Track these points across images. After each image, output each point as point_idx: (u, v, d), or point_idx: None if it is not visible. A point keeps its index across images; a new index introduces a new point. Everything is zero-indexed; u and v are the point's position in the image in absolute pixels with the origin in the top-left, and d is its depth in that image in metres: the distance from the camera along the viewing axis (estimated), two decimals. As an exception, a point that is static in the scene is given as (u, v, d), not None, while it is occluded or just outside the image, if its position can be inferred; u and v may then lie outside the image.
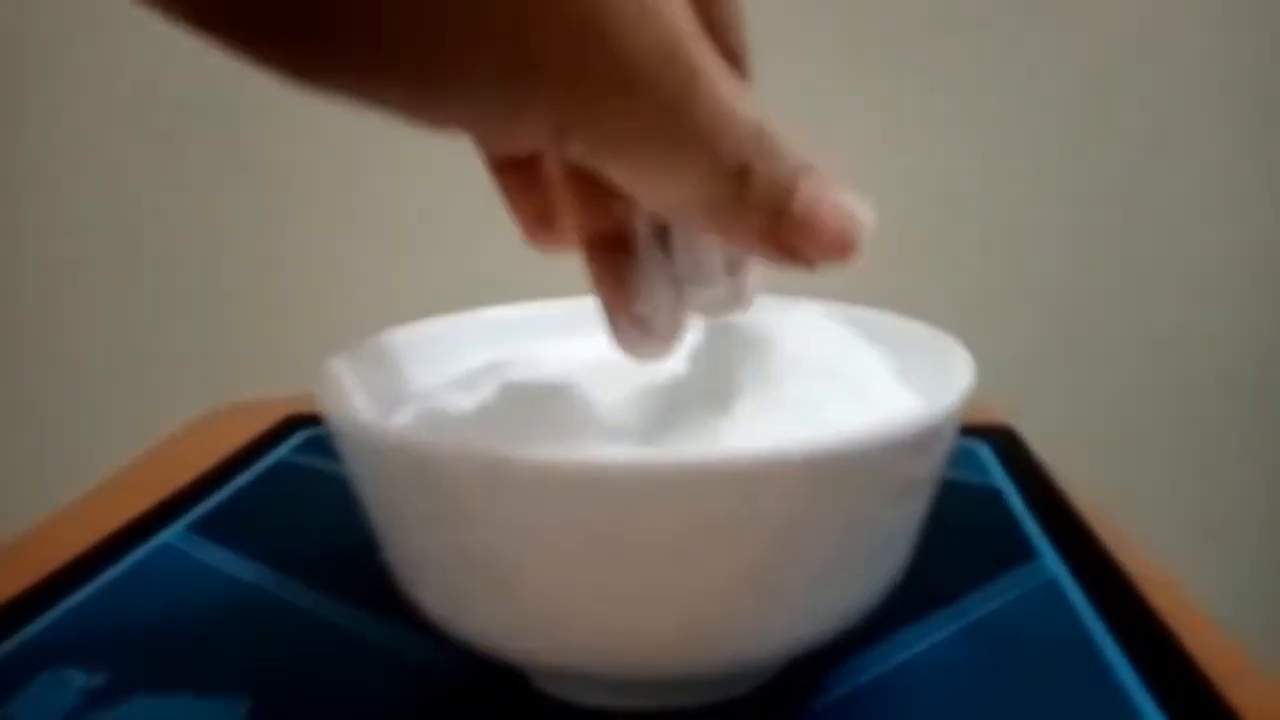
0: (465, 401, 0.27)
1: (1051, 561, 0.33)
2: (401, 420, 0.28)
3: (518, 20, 0.16)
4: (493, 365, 0.30)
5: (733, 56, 0.24)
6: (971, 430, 0.44)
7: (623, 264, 0.26)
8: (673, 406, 0.26)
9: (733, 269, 0.26)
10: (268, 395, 0.51)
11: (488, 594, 0.23)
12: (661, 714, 0.26)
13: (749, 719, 0.26)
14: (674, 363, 0.28)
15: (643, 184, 0.20)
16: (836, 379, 0.26)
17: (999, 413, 0.47)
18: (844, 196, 0.22)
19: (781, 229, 0.21)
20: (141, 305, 0.81)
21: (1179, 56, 0.74)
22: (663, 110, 0.19)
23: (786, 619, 0.23)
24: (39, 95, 0.78)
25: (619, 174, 0.20)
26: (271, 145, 0.78)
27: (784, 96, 0.75)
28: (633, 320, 0.26)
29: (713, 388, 0.27)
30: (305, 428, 0.46)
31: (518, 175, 0.27)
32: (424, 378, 0.31)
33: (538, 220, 0.28)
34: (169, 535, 0.36)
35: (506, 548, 0.22)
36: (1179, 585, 0.32)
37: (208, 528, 0.37)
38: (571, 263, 0.27)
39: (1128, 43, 0.74)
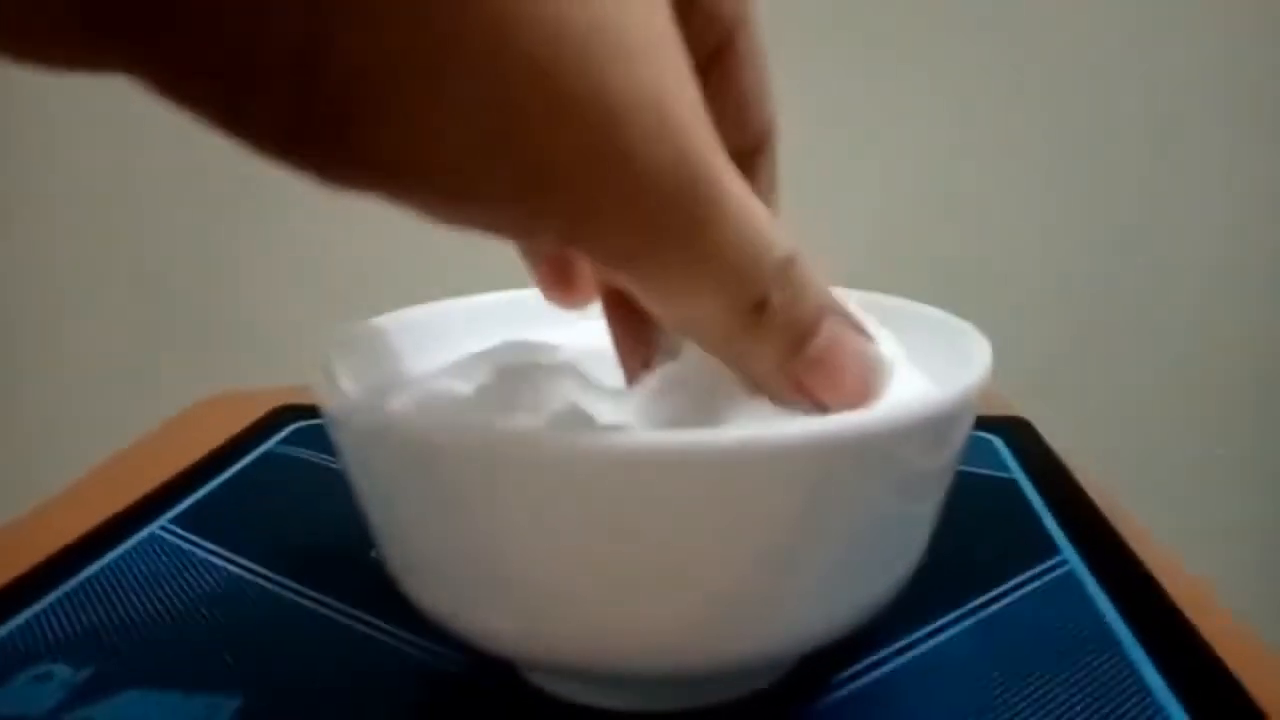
0: (462, 387, 0.26)
1: (1068, 554, 0.32)
2: (396, 406, 0.27)
3: (535, 138, 0.15)
4: (490, 351, 0.29)
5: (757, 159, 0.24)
6: (987, 423, 0.44)
7: (639, 318, 0.26)
8: (680, 390, 0.25)
9: None
10: (258, 386, 0.50)
11: (484, 587, 0.22)
12: (665, 714, 0.25)
13: (760, 717, 0.25)
14: (688, 345, 0.27)
15: (654, 301, 0.20)
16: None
17: (1014, 405, 0.46)
18: (867, 343, 0.22)
19: (797, 368, 0.21)
20: (131, 296, 0.80)
21: (1191, 48, 0.73)
22: (678, 232, 0.18)
23: (797, 613, 0.22)
24: (25, 90, 0.78)
25: (631, 287, 0.19)
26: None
27: (793, 91, 0.75)
28: (648, 371, 0.25)
29: (724, 371, 0.26)
30: (296, 419, 0.45)
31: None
32: (420, 364, 0.30)
33: (556, 278, 0.27)
34: (157, 527, 0.35)
35: (504, 536, 0.21)
36: (1195, 577, 0.32)
37: (197, 519, 0.36)
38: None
39: (1143, 35, 0.73)
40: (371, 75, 0.14)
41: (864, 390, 0.22)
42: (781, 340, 0.20)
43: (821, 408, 0.22)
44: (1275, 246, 0.76)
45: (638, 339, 0.26)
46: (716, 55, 0.23)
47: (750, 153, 0.25)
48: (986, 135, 0.75)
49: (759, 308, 0.20)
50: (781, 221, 0.25)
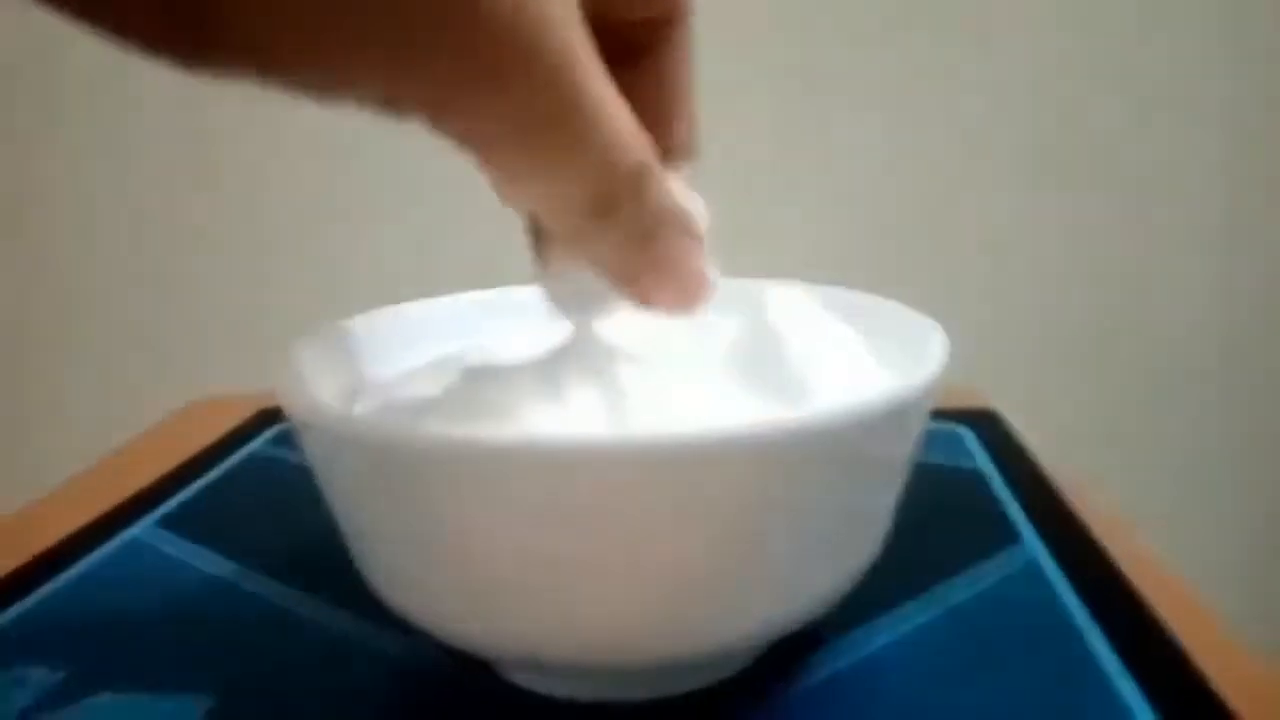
0: (428, 388, 0.26)
1: (1033, 544, 0.33)
2: (363, 408, 0.27)
3: (396, 11, 0.16)
4: (457, 352, 0.29)
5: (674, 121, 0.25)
6: (954, 414, 0.44)
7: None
8: (645, 388, 0.26)
9: None
10: (245, 388, 0.50)
11: (452, 586, 0.23)
12: (635, 704, 0.25)
13: (726, 706, 0.25)
14: (650, 343, 0.27)
15: (509, 185, 0.21)
16: (816, 358, 0.26)
17: (982, 396, 0.46)
18: (701, 260, 0.23)
19: (634, 265, 0.22)
20: (115, 299, 0.81)
21: (1169, 48, 0.73)
22: (539, 121, 0.19)
23: (758, 603, 0.23)
24: (15, 90, 0.78)
25: (488, 170, 0.20)
26: (247, 139, 0.78)
27: (778, 89, 0.75)
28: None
29: (687, 368, 0.26)
30: (279, 421, 0.46)
31: None
32: (388, 365, 0.30)
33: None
34: (138, 530, 0.35)
35: (469, 537, 0.21)
36: (1160, 565, 0.32)
37: (178, 522, 0.36)
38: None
39: (1119, 36, 0.73)
40: None
41: (688, 299, 0.23)
42: (624, 238, 0.22)
43: (646, 302, 0.23)
44: (1266, 244, 0.77)
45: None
46: None
47: (663, 21, 0.25)
48: (953, 132, 0.75)
49: (608, 205, 0.21)
50: (690, 109, 0.26)
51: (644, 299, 0.23)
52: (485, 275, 0.36)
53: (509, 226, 0.27)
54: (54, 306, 0.81)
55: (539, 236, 0.26)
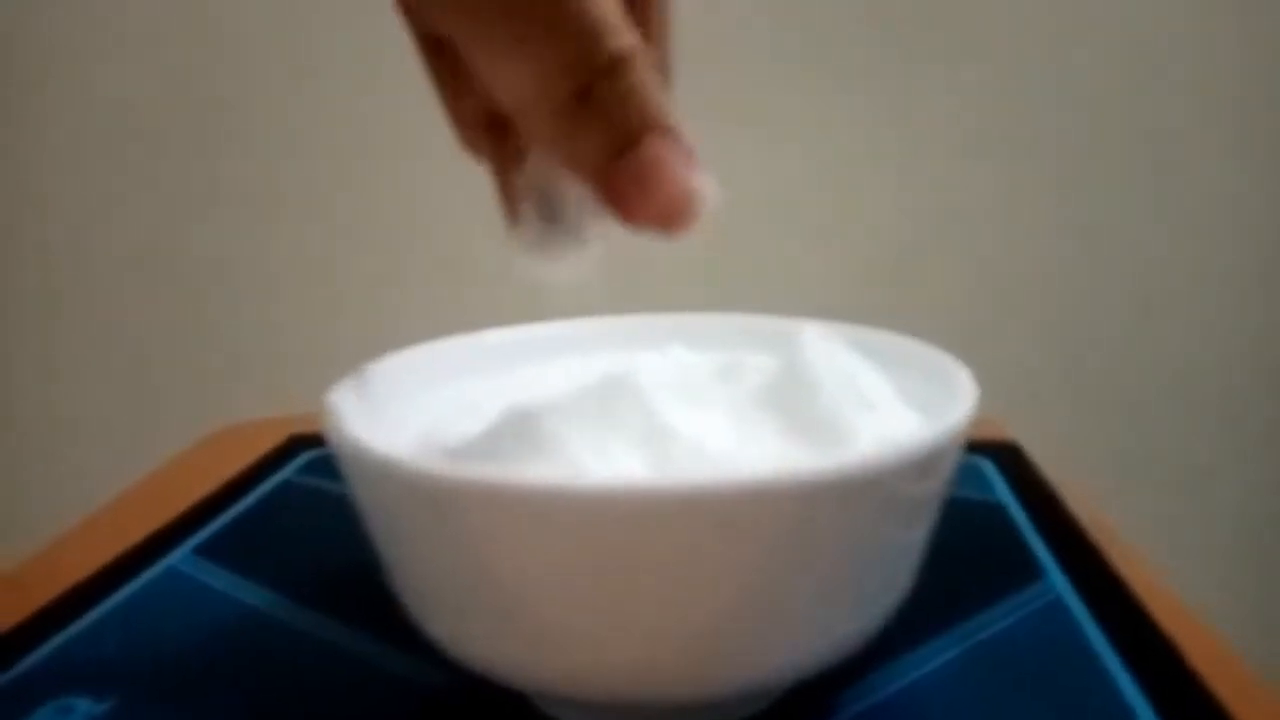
0: (470, 426, 0.27)
1: (1057, 579, 0.33)
2: (406, 446, 0.28)
3: None
4: (497, 389, 0.30)
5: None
6: (976, 446, 0.44)
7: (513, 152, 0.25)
8: (682, 429, 0.26)
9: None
10: (271, 415, 0.51)
11: (491, 620, 0.23)
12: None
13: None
14: (685, 383, 0.28)
15: (490, 69, 0.20)
16: (849, 401, 0.26)
17: (1003, 429, 0.47)
18: (688, 169, 0.21)
19: (614, 173, 0.21)
20: (143, 326, 0.82)
21: (1180, 72, 0.74)
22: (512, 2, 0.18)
23: (790, 644, 0.23)
24: (33, 116, 0.79)
25: (470, 52, 0.20)
26: (275, 165, 0.78)
27: (784, 105, 0.75)
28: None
29: (723, 409, 0.27)
30: (309, 448, 0.46)
31: (446, 59, 0.25)
32: (428, 402, 0.31)
33: (464, 118, 0.26)
34: (174, 559, 0.36)
35: (509, 574, 0.22)
36: (1183, 602, 0.32)
37: (213, 551, 0.37)
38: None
39: (1128, 58, 0.74)
40: None
41: (672, 214, 0.21)
42: (602, 136, 0.20)
43: (631, 219, 0.22)
44: (1270, 271, 0.77)
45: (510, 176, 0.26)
46: None
47: None
48: (975, 160, 0.75)
49: (584, 93, 0.20)
50: (668, 34, 0.25)
51: (625, 212, 0.21)
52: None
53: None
54: (73, 333, 0.82)
55: (509, 196, 0.25)
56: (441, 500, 0.22)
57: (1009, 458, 0.44)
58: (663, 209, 0.21)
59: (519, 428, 0.26)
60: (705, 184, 0.21)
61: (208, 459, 0.46)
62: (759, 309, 0.35)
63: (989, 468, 0.43)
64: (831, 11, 0.73)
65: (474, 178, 0.27)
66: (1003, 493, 0.40)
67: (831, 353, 0.28)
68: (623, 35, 0.20)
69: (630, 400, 0.28)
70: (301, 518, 0.40)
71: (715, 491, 0.21)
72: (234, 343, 0.81)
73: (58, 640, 0.31)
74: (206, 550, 0.37)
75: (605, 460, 0.25)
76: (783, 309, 0.34)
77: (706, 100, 0.73)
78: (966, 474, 0.42)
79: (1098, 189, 0.76)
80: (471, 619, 0.24)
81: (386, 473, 0.23)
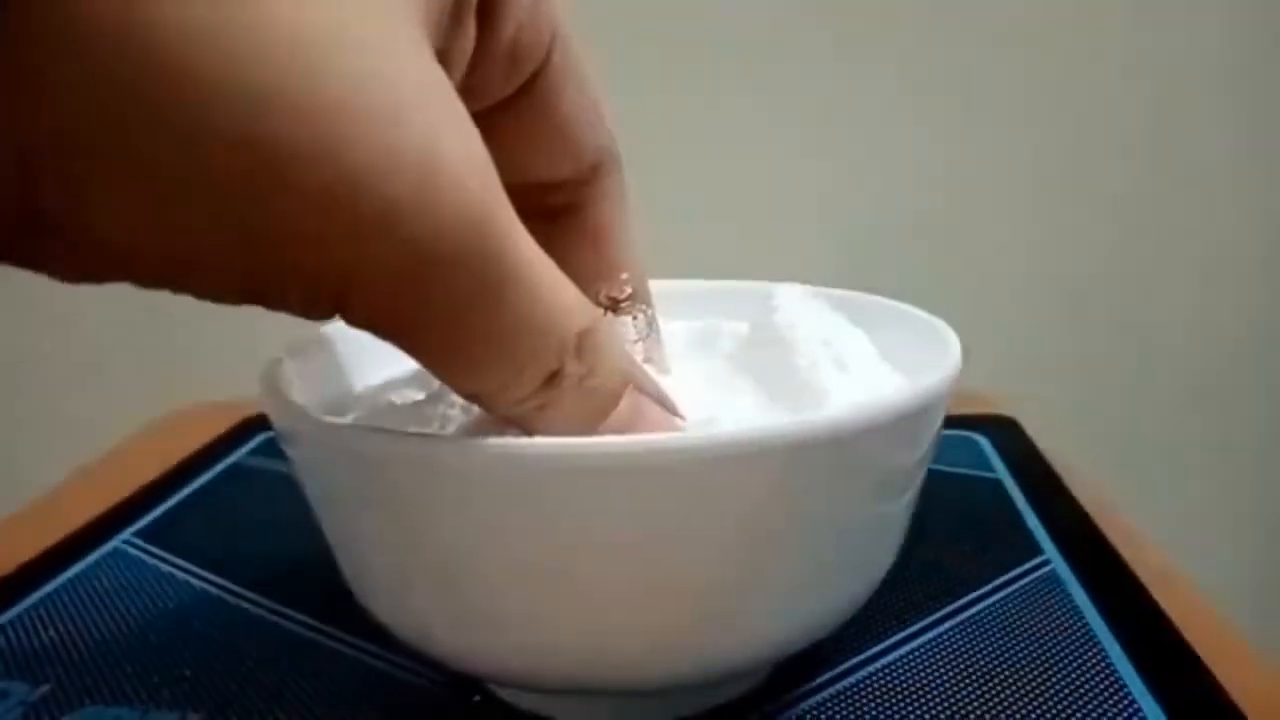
0: (414, 396, 0.27)
1: (1051, 554, 0.33)
2: (348, 418, 0.27)
3: (268, 214, 0.15)
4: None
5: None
6: (972, 421, 0.44)
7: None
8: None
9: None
10: (228, 397, 0.50)
11: (443, 603, 0.22)
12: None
13: (743, 713, 0.25)
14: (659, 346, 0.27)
15: (439, 373, 0.19)
16: (833, 363, 0.26)
17: (999, 403, 0.46)
18: (667, 415, 0.22)
19: (593, 431, 0.21)
20: (98, 305, 0.81)
21: (1180, 47, 0.74)
22: (458, 305, 0.17)
23: (767, 619, 0.23)
24: None
25: (416, 358, 0.18)
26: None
27: (785, 87, 0.75)
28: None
29: (697, 372, 0.26)
30: (264, 430, 0.46)
31: None
32: (372, 374, 0.30)
33: None
34: (120, 541, 0.35)
35: (459, 551, 0.21)
36: (1179, 576, 0.32)
37: (161, 533, 0.36)
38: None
39: (1135, 34, 0.74)
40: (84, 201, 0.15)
41: None
42: (578, 410, 0.20)
43: None
44: (1268, 246, 0.77)
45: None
46: (531, 80, 0.22)
47: (588, 179, 0.25)
48: (973, 131, 0.75)
49: (552, 379, 0.19)
50: (632, 253, 0.26)
51: None
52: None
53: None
54: (26, 315, 0.81)
55: None
56: (384, 472, 0.21)
57: (1006, 433, 0.44)
58: None
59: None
60: (682, 422, 0.22)
61: (159, 442, 0.45)
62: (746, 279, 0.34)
63: (985, 443, 0.42)
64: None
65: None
66: (999, 468, 0.40)
67: (808, 313, 0.27)
68: (583, 312, 0.19)
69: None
70: (252, 500, 0.39)
71: (685, 451, 0.19)
72: (193, 323, 0.80)
73: (-6, 624, 0.30)
74: (153, 533, 0.36)
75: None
76: (769, 279, 0.33)
77: (709, 76, 0.73)
78: (963, 449, 0.41)
79: (1100, 164, 0.76)
80: (423, 605, 0.23)
81: (327, 441, 0.22)
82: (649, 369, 0.24)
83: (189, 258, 0.16)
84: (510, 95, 0.22)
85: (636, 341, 0.25)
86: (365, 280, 0.16)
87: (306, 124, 0.14)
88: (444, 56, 0.18)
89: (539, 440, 0.20)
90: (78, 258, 0.16)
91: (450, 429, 0.24)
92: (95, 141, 0.14)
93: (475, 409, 0.24)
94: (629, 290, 0.26)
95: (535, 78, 0.22)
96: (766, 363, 0.26)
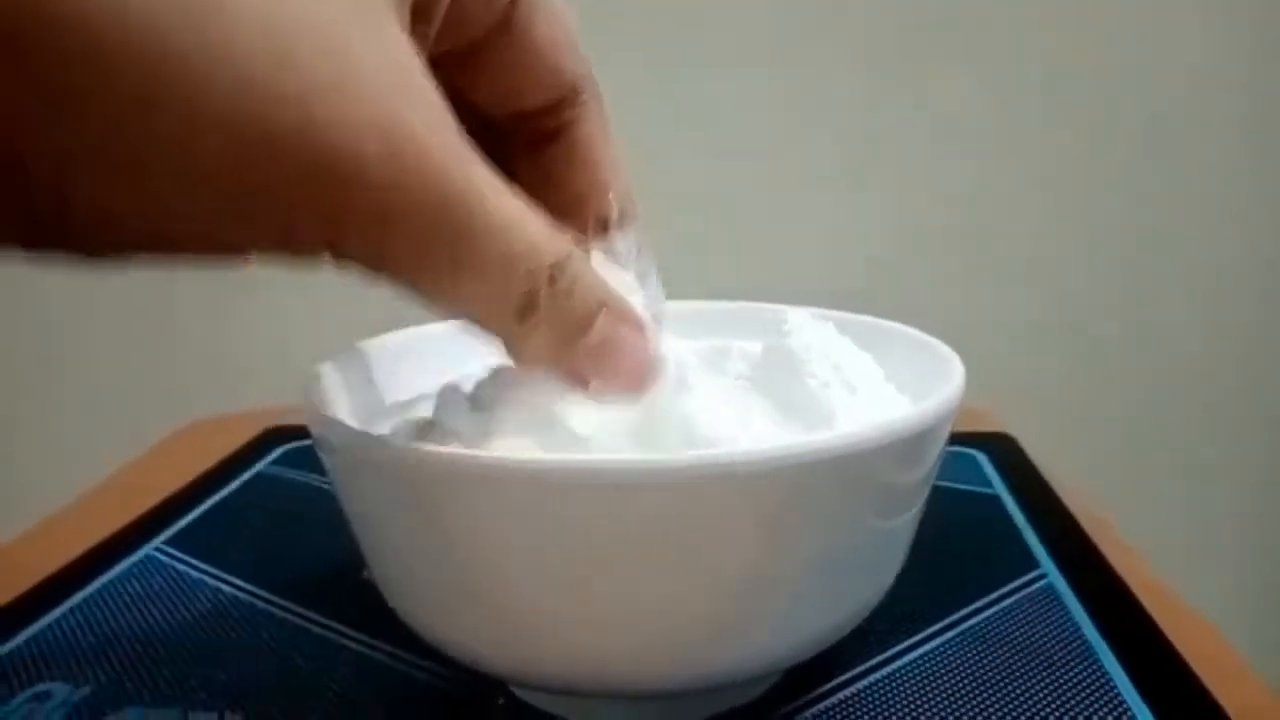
0: (450, 409, 0.28)
1: (1048, 569, 0.34)
2: (384, 429, 0.28)
3: (260, 178, 0.17)
4: (476, 373, 0.31)
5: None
6: (970, 439, 0.46)
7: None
8: (668, 410, 0.27)
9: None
10: (246, 408, 0.52)
11: (470, 608, 0.24)
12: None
13: (751, 718, 0.27)
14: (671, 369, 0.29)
15: (424, 301, 0.22)
16: (836, 383, 0.27)
17: (997, 421, 0.48)
18: (641, 340, 0.24)
19: (571, 359, 0.23)
20: (118, 316, 0.82)
21: (1181, 65, 0.75)
22: (437, 246, 0.20)
23: (774, 631, 0.24)
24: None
25: (397, 288, 0.21)
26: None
27: (788, 103, 0.76)
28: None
29: (709, 391, 0.27)
30: (284, 441, 0.47)
31: None
32: (407, 387, 0.31)
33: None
34: (152, 548, 0.37)
35: (488, 560, 0.23)
36: (1175, 592, 0.33)
37: (190, 541, 0.38)
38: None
39: (1129, 51, 0.75)
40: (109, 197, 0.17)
41: (634, 381, 0.24)
42: (553, 334, 0.23)
43: (596, 393, 0.24)
44: (1269, 263, 0.78)
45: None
46: (506, 14, 0.25)
47: (570, 102, 0.27)
48: (969, 151, 0.76)
49: (527, 306, 0.22)
50: (618, 174, 0.27)
51: (589, 388, 0.24)
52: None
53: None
54: (49, 325, 0.82)
55: None
56: (418, 482, 0.22)
57: (1002, 449, 0.45)
58: (624, 379, 0.24)
59: (499, 408, 0.27)
60: (658, 347, 0.25)
61: (183, 451, 0.47)
62: (752, 299, 0.36)
63: (982, 459, 0.44)
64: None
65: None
66: (997, 484, 0.41)
67: (819, 335, 0.29)
68: (555, 243, 0.22)
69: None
70: (276, 509, 0.40)
71: (700, 470, 0.21)
72: (211, 336, 0.82)
73: (35, 627, 0.31)
74: (182, 540, 0.38)
75: (589, 442, 0.26)
76: (775, 299, 0.35)
77: (706, 92, 0.74)
78: (960, 465, 0.43)
79: (1095, 181, 0.77)
80: (452, 608, 0.24)
81: (365, 456, 0.23)
82: (641, 293, 0.26)
83: (178, 226, 0.18)
84: (491, 28, 0.24)
85: (627, 264, 0.27)
86: (347, 229, 0.19)
87: (285, 105, 0.17)
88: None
89: (565, 457, 0.22)
90: (67, 231, 0.17)
91: (481, 441, 0.25)
92: (90, 126, 0.16)
93: (501, 423, 0.25)
94: (616, 209, 0.27)
95: (511, 7, 0.24)
96: (779, 383, 0.28)
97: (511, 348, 0.23)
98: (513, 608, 0.23)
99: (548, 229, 0.22)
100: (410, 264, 0.20)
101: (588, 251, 0.26)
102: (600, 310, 0.23)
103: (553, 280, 0.22)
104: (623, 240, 0.27)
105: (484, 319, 0.22)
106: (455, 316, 0.22)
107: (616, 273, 0.26)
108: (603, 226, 0.27)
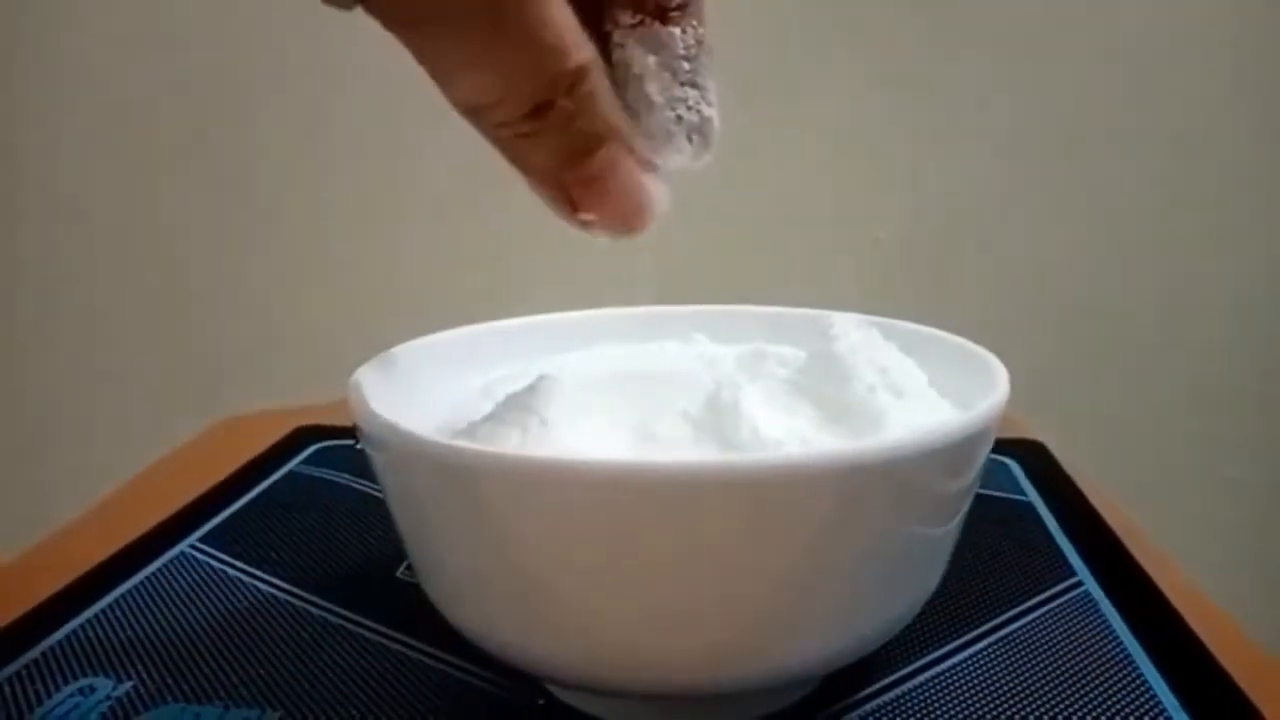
0: (503, 410, 0.28)
1: (1084, 576, 0.34)
2: (431, 426, 0.29)
3: None
4: (523, 375, 0.31)
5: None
6: (1002, 446, 0.46)
7: None
8: (720, 414, 0.27)
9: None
10: (276, 406, 0.52)
11: (515, 607, 0.24)
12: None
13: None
14: (719, 370, 0.29)
15: (442, 74, 0.21)
16: (890, 390, 0.27)
17: (1029, 428, 0.48)
18: (643, 174, 0.23)
19: (570, 179, 0.23)
20: (150, 316, 0.83)
21: (1199, 70, 0.75)
22: (476, 8, 0.20)
23: (820, 635, 0.24)
24: (39, 101, 0.80)
25: (427, 61, 0.21)
26: (282, 159, 0.80)
27: (811, 105, 0.76)
28: None
29: (758, 396, 0.28)
30: (316, 440, 0.48)
31: None
32: (453, 386, 0.32)
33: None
34: (187, 545, 0.37)
35: (534, 556, 0.23)
36: (1209, 598, 0.33)
37: (225, 538, 0.38)
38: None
39: (1149, 56, 0.75)
40: None
41: (629, 216, 0.24)
42: (559, 146, 0.22)
43: (584, 224, 0.24)
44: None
45: None
46: None
47: None
48: (1000, 156, 0.77)
49: (543, 108, 0.21)
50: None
51: (581, 213, 0.23)
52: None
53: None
54: (81, 324, 0.83)
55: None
56: (466, 479, 0.23)
57: (1034, 457, 0.45)
58: (618, 210, 0.23)
59: (550, 410, 0.27)
60: (657, 187, 0.24)
61: (213, 450, 0.47)
62: (783, 304, 0.36)
63: (1015, 467, 0.44)
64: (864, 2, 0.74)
65: (490, 167, 0.28)
66: (1030, 492, 0.41)
67: (864, 341, 0.29)
68: (581, 50, 0.22)
69: (664, 385, 0.29)
70: (309, 508, 0.41)
71: (753, 473, 0.21)
72: (244, 335, 0.82)
73: (76, 622, 0.32)
74: (217, 538, 0.38)
75: (638, 444, 0.26)
76: (807, 304, 0.35)
77: (734, 94, 0.74)
78: (995, 473, 0.43)
79: (1126, 188, 0.77)
80: (497, 608, 0.25)
81: (414, 454, 0.24)
82: (690, 91, 0.24)
83: None
84: None
85: (682, 58, 0.24)
86: None
87: None
88: None
89: (614, 460, 0.22)
90: None
91: (527, 444, 0.25)
92: None
93: (546, 427, 0.26)
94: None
95: None
96: (825, 387, 0.28)
97: (510, 150, 0.23)
98: (561, 607, 0.23)
99: (581, 34, 0.21)
100: (444, 30, 0.20)
101: (643, 35, 0.24)
102: (606, 138, 0.23)
103: (572, 89, 0.21)
104: (681, 34, 0.24)
105: (497, 105, 0.21)
106: (464, 102, 0.22)
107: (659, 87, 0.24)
108: (660, 14, 0.24)
